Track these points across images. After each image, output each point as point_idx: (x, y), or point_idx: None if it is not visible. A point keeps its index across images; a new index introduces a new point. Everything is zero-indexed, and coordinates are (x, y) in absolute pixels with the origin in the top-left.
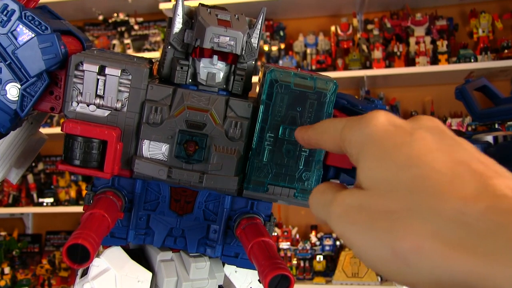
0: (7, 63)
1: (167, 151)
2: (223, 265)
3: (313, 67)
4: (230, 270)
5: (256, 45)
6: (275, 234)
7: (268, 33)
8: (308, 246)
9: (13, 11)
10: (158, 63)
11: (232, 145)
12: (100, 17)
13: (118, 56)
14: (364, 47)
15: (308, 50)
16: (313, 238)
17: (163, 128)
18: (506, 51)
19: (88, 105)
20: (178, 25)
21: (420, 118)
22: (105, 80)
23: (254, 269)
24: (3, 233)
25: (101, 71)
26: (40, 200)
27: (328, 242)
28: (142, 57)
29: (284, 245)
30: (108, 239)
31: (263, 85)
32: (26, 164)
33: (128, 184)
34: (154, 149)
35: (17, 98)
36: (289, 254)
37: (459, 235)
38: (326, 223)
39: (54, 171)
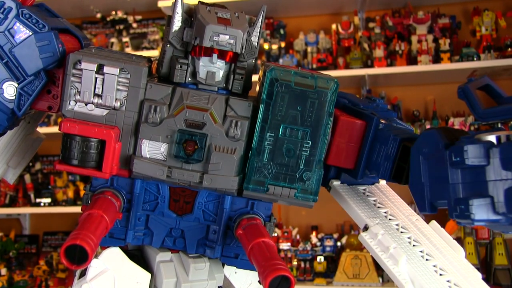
0: (4, 61)
1: (166, 150)
2: (223, 266)
3: (314, 66)
4: (230, 271)
5: (256, 44)
6: (275, 234)
7: (268, 31)
8: (308, 247)
9: (10, 9)
10: (157, 61)
11: (232, 144)
12: (98, 15)
13: (116, 55)
14: (366, 45)
15: (309, 49)
16: (314, 238)
17: (162, 128)
18: (509, 49)
19: (86, 104)
20: (177, 23)
21: None
22: (103, 79)
23: (254, 270)
24: None
25: (100, 70)
26: (38, 200)
27: (329, 243)
28: (140, 56)
29: (285, 245)
30: (106, 239)
31: (263, 84)
32: (23, 163)
33: (126, 184)
34: (153, 149)
35: (14, 97)
36: (289, 255)
37: None
38: None
39: (51, 171)
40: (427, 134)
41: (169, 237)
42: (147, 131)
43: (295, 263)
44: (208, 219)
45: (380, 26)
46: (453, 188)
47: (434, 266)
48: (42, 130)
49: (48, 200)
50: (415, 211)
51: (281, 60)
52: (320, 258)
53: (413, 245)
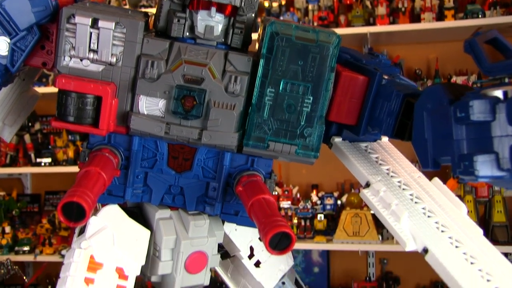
0: None
1: (164, 107)
2: (223, 223)
3: (315, 24)
4: (230, 228)
5: None
6: (276, 193)
7: None
8: (309, 205)
9: None
10: (154, 16)
11: (232, 100)
12: None
13: (112, 9)
14: (368, 3)
15: (310, 6)
16: (314, 197)
17: (160, 83)
18: None
19: (81, 60)
20: None
21: None
22: (98, 34)
23: (254, 227)
24: (1, 193)
25: (94, 24)
26: (38, 160)
27: (329, 201)
28: (137, 10)
29: (285, 204)
30: (105, 197)
31: (263, 39)
32: (20, 121)
33: (124, 141)
34: (151, 105)
35: (7, 53)
36: (290, 213)
37: None
38: None
39: (51, 131)
40: (431, 90)
41: (168, 194)
42: (144, 87)
43: (295, 221)
44: (208, 176)
45: None
46: (457, 144)
47: (436, 223)
48: (40, 90)
49: (49, 160)
50: (418, 168)
51: (281, 18)
52: (320, 216)
53: (415, 202)
